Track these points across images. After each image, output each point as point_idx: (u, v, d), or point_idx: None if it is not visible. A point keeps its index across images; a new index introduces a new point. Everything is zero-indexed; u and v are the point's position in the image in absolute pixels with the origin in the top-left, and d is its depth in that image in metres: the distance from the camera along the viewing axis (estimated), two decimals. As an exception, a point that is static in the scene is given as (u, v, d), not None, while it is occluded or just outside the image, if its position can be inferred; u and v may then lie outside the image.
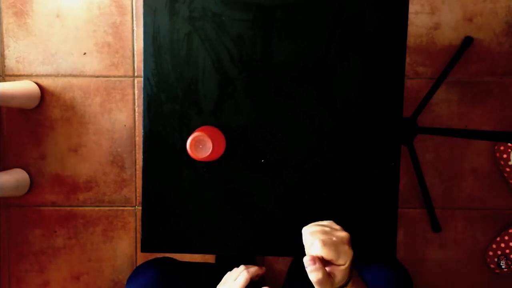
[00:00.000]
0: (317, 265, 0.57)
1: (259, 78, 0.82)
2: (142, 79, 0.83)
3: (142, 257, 1.45)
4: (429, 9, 1.40)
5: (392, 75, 0.82)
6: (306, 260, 0.58)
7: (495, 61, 1.41)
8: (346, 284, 0.61)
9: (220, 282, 0.80)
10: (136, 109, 1.44)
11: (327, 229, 0.62)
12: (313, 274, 0.57)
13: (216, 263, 1.33)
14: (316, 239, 0.59)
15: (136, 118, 1.45)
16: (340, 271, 0.59)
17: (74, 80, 1.44)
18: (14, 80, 1.43)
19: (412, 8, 1.40)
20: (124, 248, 1.48)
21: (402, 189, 1.43)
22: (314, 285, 0.58)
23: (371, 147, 0.83)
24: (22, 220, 1.47)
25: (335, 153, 0.82)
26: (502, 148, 1.40)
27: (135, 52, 1.44)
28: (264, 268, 0.80)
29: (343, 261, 0.59)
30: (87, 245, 1.48)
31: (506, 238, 1.42)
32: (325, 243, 0.58)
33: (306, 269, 0.57)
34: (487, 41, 1.40)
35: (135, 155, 1.45)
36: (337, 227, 0.65)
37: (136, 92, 1.44)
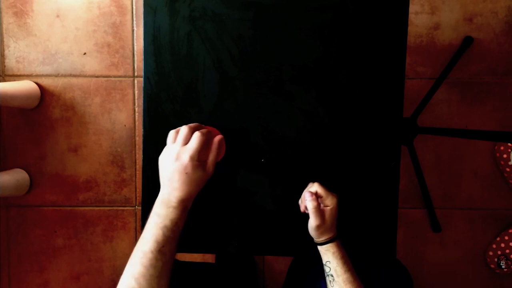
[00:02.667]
0: (314, 197, 0.76)
1: (259, 78, 0.82)
2: (142, 78, 0.83)
3: (142, 257, 1.45)
4: (429, 9, 1.41)
5: (392, 75, 0.82)
6: (306, 193, 0.77)
7: (495, 61, 1.41)
8: (332, 239, 0.76)
9: (166, 149, 0.73)
10: (136, 109, 1.44)
11: None
12: (310, 202, 0.75)
13: (216, 263, 1.33)
14: (315, 184, 0.78)
15: (136, 118, 1.45)
16: (327, 210, 0.76)
17: (74, 80, 1.44)
18: (14, 80, 1.43)
19: (412, 8, 1.40)
20: (124, 248, 1.48)
21: (402, 189, 1.43)
22: (310, 212, 0.75)
23: (371, 147, 0.82)
24: (22, 220, 1.47)
25: (335, 153, 0.82)
26: (502, 148, 1.40)
27: (135, 52, 1.44)
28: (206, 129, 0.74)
29: (330, 203, 0.76)
30: (87, 245, 1.48)
31: (506, 238, 1.42)
32: (319, 185, 0.77)
33: (305, 200, 0.77)
34: (487, 41, 1.40)
35: (135, 155, 1.45)
36: None
37: (136, 92, 1.44)
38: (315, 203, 0.75)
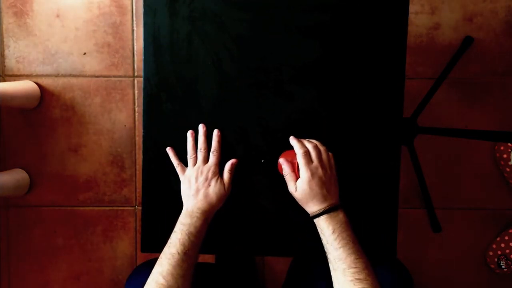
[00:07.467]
0: (288, 162, 0.78)
1: (259, 78, 0.82)
2: (142, 79, 0.83)
3: (142, 257, 1.45)
4: (429, 9, 1.41)
5: (392, 75, 0.82)
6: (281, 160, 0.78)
7: (495, 61, 1.41)
8: (319, 213, 0.74)
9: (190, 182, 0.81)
10: (136, 109, 1.44)
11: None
12: (284, 165, 0.78)
13: (216, 263, 1.33)
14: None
15: (136, 118, 1.45)
16: (298, 180, 0.76)
17: (74, 80, 1.44)
18: (14, 80, 1.43)
19: (412, 8, 1.40)
20: (124, 248, 1.48)
21: (402, 189, 1.43)
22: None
23: (371, 147, 0.83)
24: (22, 220, 1.47)
25: (335, 153, 0.82)
26: (502, 148, 1.40)
27: (135, 52, 1.44)
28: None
29: (301, 174, 0.76)
30: (87, 245, 1.48)
31: (506, 238, 1.42)
32: (302, 149, 0.77)
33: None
34: (487, 41, 1.40)
35: (135, 155, 1.45)
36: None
37: (136, 92, 1.44)
38: (288, 169, 0.77)
